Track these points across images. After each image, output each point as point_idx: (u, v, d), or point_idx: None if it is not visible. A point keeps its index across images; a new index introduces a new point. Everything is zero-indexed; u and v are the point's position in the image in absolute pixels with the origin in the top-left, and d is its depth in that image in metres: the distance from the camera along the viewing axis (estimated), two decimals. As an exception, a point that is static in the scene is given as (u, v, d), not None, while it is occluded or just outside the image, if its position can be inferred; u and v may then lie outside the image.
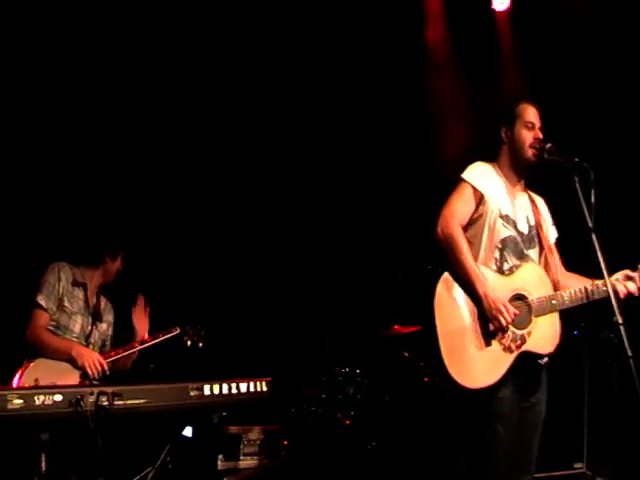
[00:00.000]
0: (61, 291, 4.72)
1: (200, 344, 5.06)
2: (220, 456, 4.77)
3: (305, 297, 6.92)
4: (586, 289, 3.81)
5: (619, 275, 3.89)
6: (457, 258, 3.72)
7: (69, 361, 4.55)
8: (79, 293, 4.82)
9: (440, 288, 3.76)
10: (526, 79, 7.11)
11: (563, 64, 6.97)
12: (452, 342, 3.67)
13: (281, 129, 7.15)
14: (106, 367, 4.58)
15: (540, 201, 4.15)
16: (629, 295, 3.85)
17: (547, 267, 3.96)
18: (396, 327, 6.14)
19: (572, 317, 4.02)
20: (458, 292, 3.75)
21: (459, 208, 3.84)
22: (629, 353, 3.40)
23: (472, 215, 3.87)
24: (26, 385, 4.19)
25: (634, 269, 3.93)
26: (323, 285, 7.08)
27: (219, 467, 4.76)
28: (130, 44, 6.23)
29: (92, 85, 6.10)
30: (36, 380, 4.26)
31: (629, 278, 3.89)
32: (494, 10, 7.42)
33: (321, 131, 7.26)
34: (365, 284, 7.17)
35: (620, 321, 3.48)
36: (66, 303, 4.73)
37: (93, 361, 4.54)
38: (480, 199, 3.86)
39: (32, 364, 4.44)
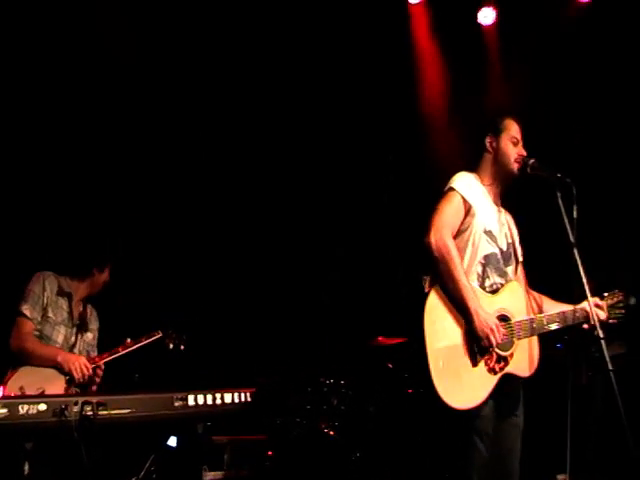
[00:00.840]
0: (45, 301, 4.72)
1: (182, 347, 5.06)
2: (204, 466, 4.77)
3: (290, 309, 6.94)
4: (564, 314, 3.85)
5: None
6: (451, 272, 3.68)
7: (55, 367, 4.55)
8: (63, 303, 4.82)
9: (429, 305, 3.73)
10: (512, 92, 7.18)
11: (549, 77, 7.05)
12: (441, 360, 3.65)
13: (280, 130, 7.20)
14: (91, 372, 4.58)
15: (511, 218, 4.17)
16: (599, 322, 3.85)
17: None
18: (380, 338, 6.16)
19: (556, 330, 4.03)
20: (448, 309, 3.72)
21: (450, 218, 3.81)
22: (609, 367, 3.44)
23: (460, 226, 3.86)
24: (12, 393, 4.18)
25: (601, 297, 3.98)
26: (309, 297, 7.10)
27: (203, 477, 4.75)
28: (128, 44, 6.27)
29: (79, 94, 6.12)
30: (21, 388, 4.27)
31: (597, 306, 3.93)
32: (480, 24, 7.49)
33: (321, 132, 7.30)
34: (352, 295, 7.19)
35: (601, 335, 3.53)
36: (50, 313, 4.72)
37: (80, 365, 4.54)
38: (468, 210, 3.86)
39: (17, 372, 4.44)
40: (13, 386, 4.31)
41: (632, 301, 4.05)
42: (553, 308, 3.92)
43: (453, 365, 3.66)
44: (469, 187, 3.90)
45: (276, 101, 7.06)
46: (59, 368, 4.55)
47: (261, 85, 6.97)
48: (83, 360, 4.61)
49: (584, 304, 3.85)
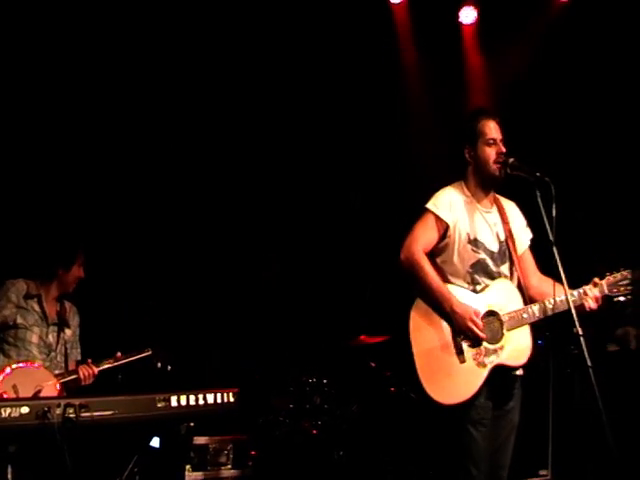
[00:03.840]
0: (8, 313, 4.73)
1: (169, 367, 5.08)
2: (188, 466, 4.77)
3: (272, 309, 6.94)
4: (554, 302, 3.86)
5: (589, 286, 3.94)
6: (421, 279, 3.80)
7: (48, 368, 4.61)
8: (34, 305, 4.84)
9: (414, 312, 3.85)
10: (493, 93, 7.23)
11: (529, 76, 7.09)
12: (427, 363, 3.76)
13: (259, 130, 7.19)
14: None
15: (510, 207, 4.18)
16: (597, 302, 3.89)
17: (520, 278, 4.01)
18: (362, 337, 6.19)
19: (537, 327, 4.06)
20: (431, 315, 3.82)
21: (422, 236, 3.91)
22: (589, 363, 3.47)
23: (438, 243, 3.94)
24: (5, 391, 4.22)
25: (602, 277, 3.99)
26: (291, 297, 7.11)
27: (186, 478, 4.76)
28: (124, 43, 6.28)
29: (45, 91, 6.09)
30: (14, 386, 4.32)
31: (595, 285, 3.94)
32: (461, 23, 7.53)
33: (306, 129, 7.34)
34: (333, 295, 7.21)
35: (580, 332, 3.56)
36: (19, 320, 4.75)
37: None
38: (445, 228, 3.93)
39: (9, 370, 4.45)
40: (7, 384, 4.34)
41: (637, 275, 4.06)
42: (560, 292, 3.90)
43: (441, 366, 3.75)
44: (446, 205, 3.96)
45: (248, 101, 7.06)
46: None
47: (229, 86, 6.98)
48: None
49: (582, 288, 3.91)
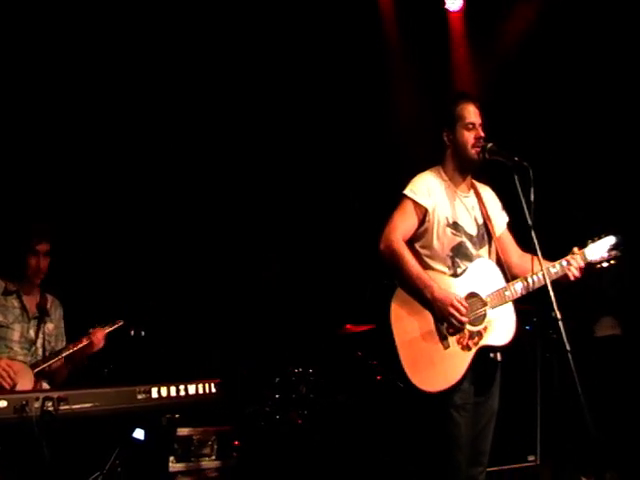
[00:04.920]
0: None
1: (142, 333, 5.06)
2: (171, 458, 4.76)
3: (258, 298, 6.93)
4: (536, 277, 3.86)
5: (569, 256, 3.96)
6: (402, 268, 3.78)
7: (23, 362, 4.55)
8: (14, 301, 4.77)
9: (395, 302, 3.82)
10: (479, 78, 7.22)
11: (515, 63, 7.08)
12: (411, 352, 3.74)
13: (253, 136, 7.19)
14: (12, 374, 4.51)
15: (487, 191, 4.20)
16: (581, 271, 3.92)
17: (500, 258, 4.02)
18: (348, 326, 6.18)
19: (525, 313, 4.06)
20: (412, 303, 3.79)
21: (400, 223, 3.90)
22: (568, 348, 3.47)
23: (418, 228, 3.93)
24: None
25: (583, 245, 4.02)
26: (276, 284, 7.10)
27: (170, 469, 4.75)
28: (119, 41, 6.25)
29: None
30: None
31: (574, 254, 3.97)
32: (447, 10, 7.50)
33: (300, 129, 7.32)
34: (319, 284, 7.20)
35: (559, 317, 3.56)
36: (0, 318, 4.69)
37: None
38: (424, 213, 3.92)
39: None
40: None
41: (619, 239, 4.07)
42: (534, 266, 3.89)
43: (425, 354, 3.74)
44: (424, 189, 3.96)
45: (247, 101, 7.07)
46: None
47: (228, 84, 6.98)
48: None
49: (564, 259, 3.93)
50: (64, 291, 5.07)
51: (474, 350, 3.77)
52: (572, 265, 3.93)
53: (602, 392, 5.58)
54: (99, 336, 4.73)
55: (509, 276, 3.95)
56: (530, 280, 3.86)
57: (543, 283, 3.78)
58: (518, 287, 3.87)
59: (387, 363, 5.34)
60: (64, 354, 4.70)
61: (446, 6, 7.49)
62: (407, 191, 3.96)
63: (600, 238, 4.04)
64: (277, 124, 7.24)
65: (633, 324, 6.23)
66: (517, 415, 5.66)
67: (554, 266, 3.88)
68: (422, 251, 3.93)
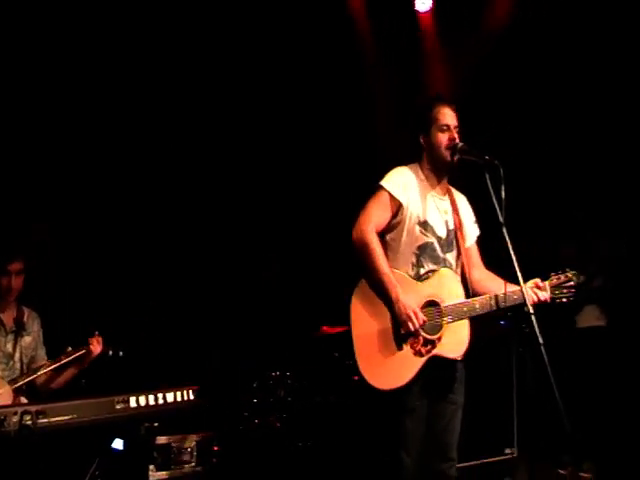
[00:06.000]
0: None
1: (120, 353, 5.06)
2: (151, 466, 4.75)
3: (233, 303, 6.93)
4: (497, 297, 3.92)
5: (530, 284, 3.98)
6: (370, 263, 3.80)
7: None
8: None
9: (356, 294, 3.86)
10: (451, 79, 7.25)
11: (487, 62, 7.13)
12: (365, 346, 3.79)
13: (253, 136, 7.21)
14: None
15: (462, 200, 4.24)
16: (539, 302, 3.95)
17: (464, 269, 4.06)
18: (325, 328, 6.19)
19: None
20: (373, 298, 3.82)
21: (375, 214, 3.92)
22: (540, 341, 3.52)
23: (390, 221, 3.95)
24: None
25: (543, 279, 4.06)
26: (252, 288, 7.10)
27: (150, 478, 4.74)
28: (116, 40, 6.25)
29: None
30: None
31: (539, 288, 4.01)
32: (417, 11, 7.53)
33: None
34: (294, 287, 7.21)
35: (531, 311, 3.61)
36: None
37: None
38: (398, 207, 3.95)
39: None
40: None
41: (581, 279, 4.12)
42: (499, 289, 3.94)
43: (378, 350, 3.78)
44: (400, 183, 3.98)
45: (247, 100, 7.09)
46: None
47: (228, 86, 7.02)
48: None
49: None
50: (63, 295, 5.09)
51: (425, 358, 3.81)
52: (538, 295, 3.95)
53: (582, 385, 5.65)
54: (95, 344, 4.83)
55: (469, 290, 4.00)
56: (492, 301, 3.91)
57: (505, 305, 3.87)
58: (477, 305, 3.91)
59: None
60: (42, 371, 4.72)
61: (416, 7, 7.52)
62: (384, 182, 3.98)
63: (563, 273, 4.08)
64: (277, 124, 7.27)
65: (619, 314, 6.25)
66: (494, 409, 5.71)
67: (515, 293, 3.88)
68: (391, 244, 3.96)
